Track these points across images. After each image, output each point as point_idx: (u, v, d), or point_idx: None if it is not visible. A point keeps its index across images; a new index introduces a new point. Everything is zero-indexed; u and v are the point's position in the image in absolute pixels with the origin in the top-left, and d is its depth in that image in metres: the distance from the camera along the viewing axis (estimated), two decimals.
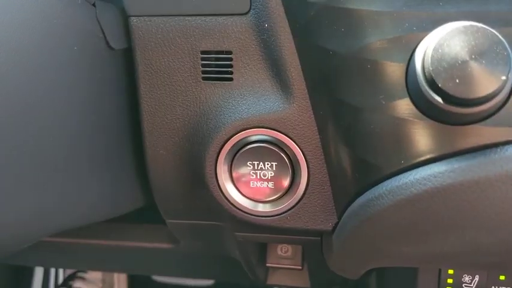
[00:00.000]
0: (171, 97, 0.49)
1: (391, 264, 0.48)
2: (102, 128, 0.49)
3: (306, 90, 0.45)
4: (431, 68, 0.34)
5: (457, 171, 0.36)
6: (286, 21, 0.44)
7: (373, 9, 0.39)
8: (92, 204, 0.50)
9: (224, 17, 0.46)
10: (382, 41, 0.38)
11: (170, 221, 0.58)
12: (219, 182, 0.48)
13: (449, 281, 0.52)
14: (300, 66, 0.44)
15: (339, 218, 0.46)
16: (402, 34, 0.38)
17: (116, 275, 1.19)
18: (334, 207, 0.47)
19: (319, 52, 0.42)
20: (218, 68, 0.48)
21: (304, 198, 0.47)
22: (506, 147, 0.36)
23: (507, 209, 0.36)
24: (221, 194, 0.49)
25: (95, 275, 1.17)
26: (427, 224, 0.39)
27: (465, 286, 0.52)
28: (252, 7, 0.45)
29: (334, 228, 0.48)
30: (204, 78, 0.48)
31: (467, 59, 0.33)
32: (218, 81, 0.48)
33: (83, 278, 1.16)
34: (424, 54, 0.35)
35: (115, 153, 0.52)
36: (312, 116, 0.45)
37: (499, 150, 0.36)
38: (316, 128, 0.45)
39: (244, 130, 0.46)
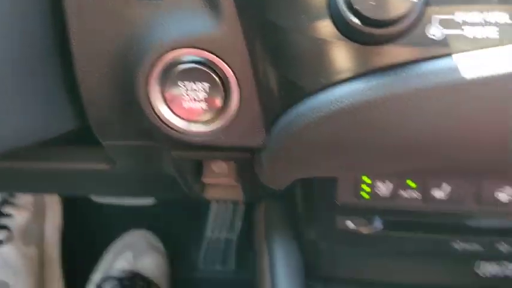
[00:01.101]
0: (100, 18, 0.48)
1: (313, 175, 0.52)
2: (27, 48, 0.47)
3: (236, 11, 0.45)
4: None
5: (373, 88, 0.39)
6: None
7: None
8: (17, 126, 0.49)
9: None
10: None
11: (106, 142, 0.59)
12: (152, 103, 0.48)
13: (366, 188, 0.59)
14: None
15: (267, 135, 0.49)
16: None
17: (47, 198, 1.18)
18: (263, 126, 0.50)
19: None
20: None
21: (236, 118, 0.49)
22: (415, 64, 0.39)
23: (412, 121, 0.40)
24: (155, 115, 0.49)
25: (25, 199, 1.16)
26: (344, 139, 0.43)
27: (377, 191, 0.59)
28: None
29: (264, 144, 0.51)
30: None
31: None
32: (148, 0, 0.47)
33: (12, 203, 1.14)
34: None
35: (43, 73, 0.51)
36: (243, 37, 0.46)
37: (408, 68, 0.39)
38: (246, 49, 0.46)
39: (174, 49, 0.46)
